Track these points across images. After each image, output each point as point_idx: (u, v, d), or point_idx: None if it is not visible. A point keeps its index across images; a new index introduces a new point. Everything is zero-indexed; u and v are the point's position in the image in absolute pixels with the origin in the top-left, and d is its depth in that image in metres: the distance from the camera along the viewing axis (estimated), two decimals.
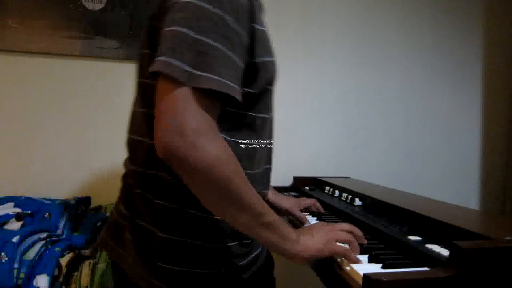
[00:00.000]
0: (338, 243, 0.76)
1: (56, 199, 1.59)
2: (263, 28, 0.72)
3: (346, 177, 1.92)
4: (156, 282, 0.72)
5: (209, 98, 0.61)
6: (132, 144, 0.80)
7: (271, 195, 1.18)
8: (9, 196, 1.57)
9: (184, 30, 0.61)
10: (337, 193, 1.45)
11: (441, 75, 2.15)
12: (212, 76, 0.60)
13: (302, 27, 1.98)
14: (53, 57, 1.75)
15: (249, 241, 0.81)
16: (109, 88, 1.81)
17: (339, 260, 0.77)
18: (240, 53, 0.65)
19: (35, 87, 1.74)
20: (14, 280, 1.21)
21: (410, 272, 0.63)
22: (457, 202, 1.37)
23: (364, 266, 0.71)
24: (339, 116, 2.03)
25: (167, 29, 0.63)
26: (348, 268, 0.72)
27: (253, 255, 0.83)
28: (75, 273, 1.31)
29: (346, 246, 0.76)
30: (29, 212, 1.48)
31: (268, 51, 0.74)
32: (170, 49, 0.61)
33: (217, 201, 0.63)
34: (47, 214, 1.48)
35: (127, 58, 1.81)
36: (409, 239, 0.82)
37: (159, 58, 0.61)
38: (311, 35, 1.99)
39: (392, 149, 2.09)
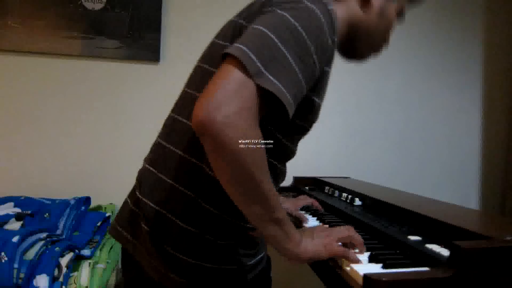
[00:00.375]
0: (338, 244, 0.77)
1: (56, 199, 1.59)
2: (328, 77, 0.74)
3: (346, 177, 1.92)
4: (168, 272, 0.73)
5: (263, 100, 0.61)
6: (174, 125, 0.79)
7: None
8: (9, 196, 1.57)
9: (269, 33, 0.62)
10: (337, 193, 1.45)
11: (441, 75, 2.15)
12: (277, 82, 0.60)
13: None
14: (53, 57, 1.75)
15: (257, 242, 0.83)
16: (109, 88, 1.81)
17: (339, 261, 0.77)
18: (306, 80, 0.66)
19: (35, 87, 1.74)
20: (14, 280, 1.21)
21: (410, 272, 0.63)
22: (457, 202, 1.37)
23: (364, 266, 0.71)
24: (339, 116, 2.03)
25: (255, 26, 0.63)
26: (348, 268, 0.73)
27: (258, 257, 0.84)
28: (75, 273, 1.31)
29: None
30: (29, 212, 1.48)
31: (323, 97, 0.77)
32: (251, 42, 0.61)
33: (237, 185, 0.63)
34: (47, 214, 1.48)
35: (127, 58, 1.81)
36: (409, 239, 0.82)
37: (237, 44, 0.61)
38: None
39: (392, 149, 2.09)
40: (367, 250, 0.80)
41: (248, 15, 0.73)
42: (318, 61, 0.66)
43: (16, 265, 1.22)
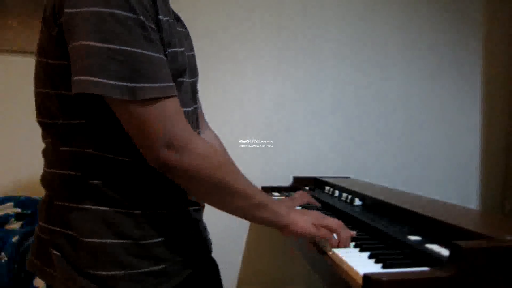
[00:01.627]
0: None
1: None
2: (167, 19, 0.70)
3: (346, 177, 1.92)
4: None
5: (162, 101, 0.63)
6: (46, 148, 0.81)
7: None
8: (9, 196, 1.57)
9: (96, 43, 0.58)
10: (337, 193, 1.45)
11: (441, 75, 2.15)
12: (151, 84, 0.61)
13: (302, 27, 1.98)
14: None
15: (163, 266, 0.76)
16: None
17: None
18: (158, 47, 0.64)
19: None
20: (14, 280, 1.21)
21: (410, 272, 0.63)
22: (457, 202, 1.37)
23: (361, 263, 0.71)
24: (339, 116, 2.03)
25: (77, 43, 0.59)
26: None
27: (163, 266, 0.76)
28: None
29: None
30: (29, 212, 1.48)
31: (174, 42, 0.72)
32: (90, 67, 0.58)
33: (211, 193, 0.71)
34: None
35: None
36: (409, 239, 0.82)
37: (80, 77, 0.59)
38: (311, 35, 1.99)
39: (392, 149, 2.09)
40: (368, 250, 0.80)
41: (46, 19, 0.71)
42: (146, 21, 0.62)
43: (16, 265, 1.22)
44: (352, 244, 0.86)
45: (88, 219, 0.69)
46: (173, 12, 0.83)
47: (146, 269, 0.70)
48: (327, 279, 0.84)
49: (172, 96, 0.65)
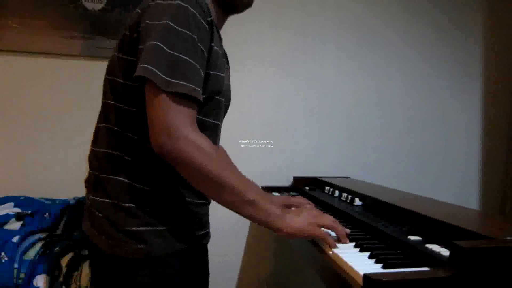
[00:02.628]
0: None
1: (56, 199, 1.59)
2: (217, 49, 0.87)
3: (346, 177, 1.92)
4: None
5: (184, 100, 0.75)
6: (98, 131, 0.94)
7: None
8: (9, 196, 1.57)
9: (160, 44, 0.75)
10: (337, 193, 1.45)
11: (441, 75, 2.15)
12: (183, 82, 0.75)
13: (302, 27, 1.98)
14: (53, 57, 1.75)
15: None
16: None
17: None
18: (202, 63, 0.80)
19: (35, 87, 1.74)
20: (14, 280, 1.21)
21: (410, 272, 0.63)
22: (457, 202, 1.37)
23: (361, 263, 0.71)
24: (339, 116, 2.03)
25: (149, 43, 0.76)
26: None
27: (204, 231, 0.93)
28: (75, 273, 1.31)
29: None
30: (29, 212, 1.48)
31: (221, 67, 0.89)
32: (152, 60, 0.74)
33: (203, 183, 0.78)
34: (47, 214, 1.48)
35: None
36: (409, 239, 0.82)
37: (142, 65, 0.74)
38: (311, 35, 1.99)
39: (392, 149, 2.10)
40: (368, 250, 0.80)
41: (131, 26, 0.84)
42: (203, 45, 0.80)
43: (16, 265, 1.22)
44: (352, 244, 0.86)
45: (125, 190, 0.84)
46: (225, 52, 1.01)
47: (164, 227, 0.84)
48: (327, 279, 0.85)
49: (195, 99, 0.77)
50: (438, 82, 2.15)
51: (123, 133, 0.85)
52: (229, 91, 1.04)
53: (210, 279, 0.97)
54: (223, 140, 1.23)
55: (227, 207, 0.81)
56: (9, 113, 1.71)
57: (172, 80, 0.74)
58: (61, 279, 1.26)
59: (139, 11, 0.84)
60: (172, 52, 0.75)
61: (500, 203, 2.22)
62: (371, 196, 1.21)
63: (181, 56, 0.76)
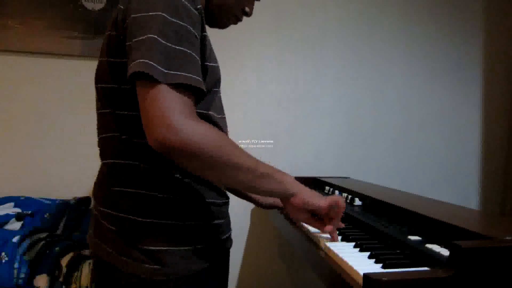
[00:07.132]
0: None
1: (56, 199, 1.59)
2: (209, 38, 0.84)
3: (346, 177, 1.92)
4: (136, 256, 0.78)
5: (184, 91, 0.71)
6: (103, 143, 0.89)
7: None
8: (9, 196, 1.57)
9: (155, 36, 0.71)
10: (337, 193, 1.45)
11: (441, 75, 2.15)
12: (182, 73, 0.70)
13: (302, 27, 1.98)
14: (53, 57, 1.75)
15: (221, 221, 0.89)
16: None
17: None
18: (197, 53, 0.76)
19: (35, 87, 1.74)
20: (14, 280, 1.21)
21: (410, 272, 0.63)
22: (457, 202, 1.37)
23: (361, 263, 0.71)
24: (339, 116, 2.03)
25: (141, 38, 0.71)
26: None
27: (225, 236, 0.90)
28: (75, 273, 1.31)
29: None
30: (29, 212, 1.48)
31: (212, 57, 0.86)
32: (146, 53, 0.69)
33: (216, 170, 0.72)
34: (47, 214, 1.48)
35: None
36: (409, 239, 0.82)
37: (136, 60, 0.69)
38: (311, 35, 1.99)
39: (392, 149, 2.10)
40: (368, 250, 0.80)
41: (116, 25, 0.79)
42: (196, 33, 0.77)
43: (16, 265, 1.22)
44: (352, 244, 0.86)
45: (142, 203, 0.79)
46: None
47: (184, 248, 0.80)
48: (327, 279, 0.84)
49: (199, 90, 0.73)
50: (438, 82, 2.15)
51: (129, 140, 0.81)
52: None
53: None
54: None
55: (242, 187, 0.79)
56: (9, 113, 1.71)
57: (171, 72, 0.70)
58: (61, 279, 1.26)
59: (122, 7, 0.79)
60: (168, 43, 0.71)
61: (500, 203, 2.22)
62: (371, 196, 1.21)
63: (178, 47, 0.72)
